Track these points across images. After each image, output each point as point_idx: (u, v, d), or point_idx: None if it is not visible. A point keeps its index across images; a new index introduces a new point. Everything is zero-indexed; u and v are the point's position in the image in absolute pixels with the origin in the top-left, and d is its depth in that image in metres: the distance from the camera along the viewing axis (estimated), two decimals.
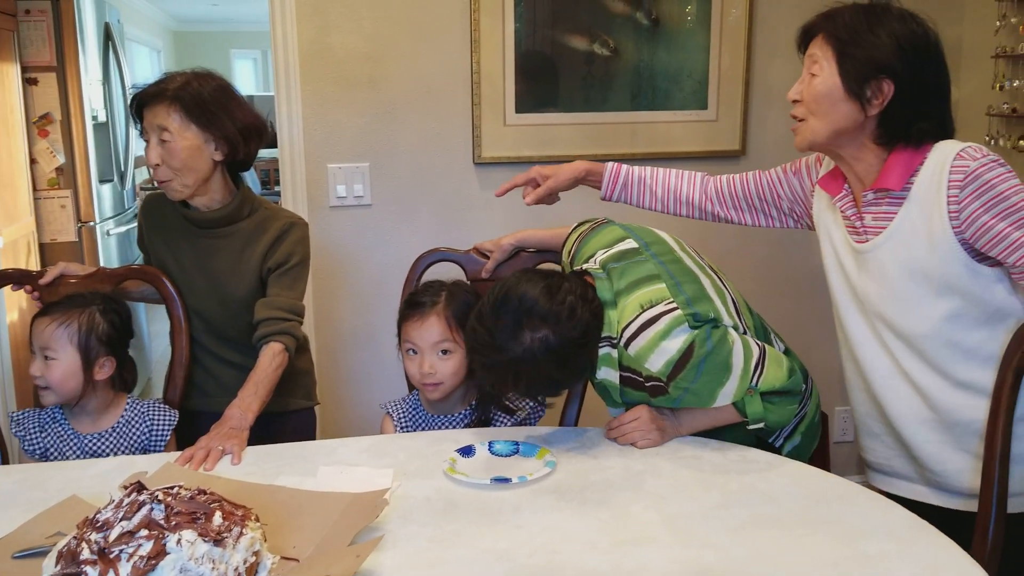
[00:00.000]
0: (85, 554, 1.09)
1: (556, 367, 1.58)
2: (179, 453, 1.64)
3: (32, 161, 3.79)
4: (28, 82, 3.79)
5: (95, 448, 1.79)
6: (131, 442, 1.82)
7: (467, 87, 2.87)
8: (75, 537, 1.13)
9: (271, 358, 1.87)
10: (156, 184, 1.94)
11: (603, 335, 1.65)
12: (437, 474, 1.56)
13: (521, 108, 2.89)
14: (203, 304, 1.98)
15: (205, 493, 1.22)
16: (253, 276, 1.96)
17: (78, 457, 1.78)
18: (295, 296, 1.97)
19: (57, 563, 1.11)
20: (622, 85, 2.94)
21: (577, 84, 2.92)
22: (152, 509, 1.15)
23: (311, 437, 2.13)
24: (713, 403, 1.64)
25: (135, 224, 4.51)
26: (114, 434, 1.81)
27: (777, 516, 1.39)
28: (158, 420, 1.86)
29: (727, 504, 1.43)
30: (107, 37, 4.35)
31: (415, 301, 1.82)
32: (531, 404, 1.86)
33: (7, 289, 2.01)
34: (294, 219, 2.02)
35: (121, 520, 1.13)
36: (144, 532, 1.12)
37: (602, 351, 1.67)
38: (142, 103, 1.88)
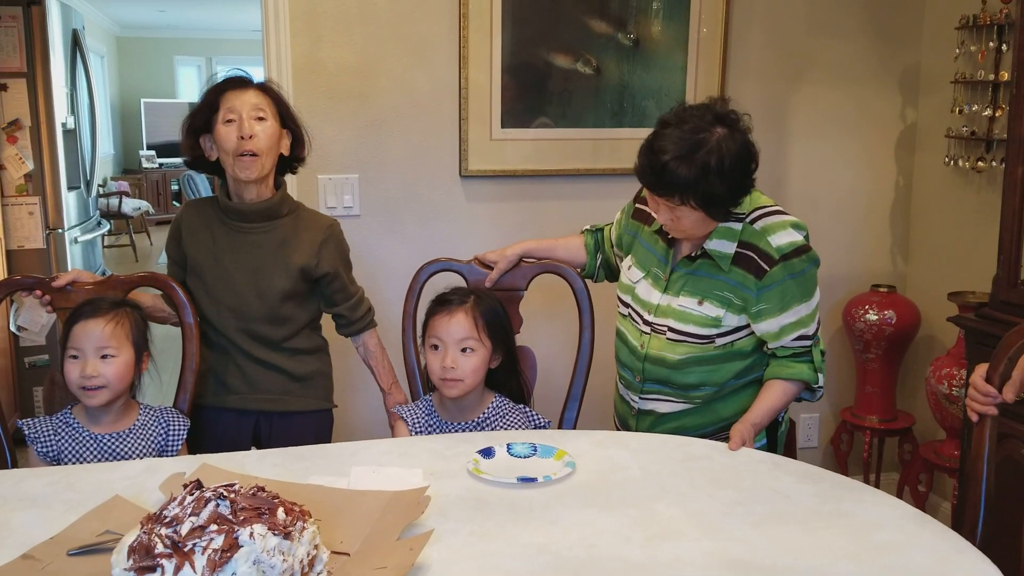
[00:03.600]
0: (159, 548, 1.13)
1: (737, 162, 1.76)
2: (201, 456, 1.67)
3: (0, 167, 3.73)
4: None
5: (113, 448, 1.81)
6: (148, 444, 1.84)
7: (454, 102, 2.94)
8: (144, 532, 1.16)
9: (379, 340, 2.21)
10: (242, 154, 1.97)
11: (733, 211, 1.86)
12: (462, 474, 1.62)
13: (507, 123, 2.98)
14: (240, 300, 2.02)
15: (263, 490, 1.26)
16: (293, 271, 2.03)
17: (96, 458, 1.79)
18: (357, 290, 2.19)
19: (129, 557, 1.14)
20: (604, 102, 3.05)
21: (561, 100, 3.01)
22: (218, 505, 1.19)
23: (328, 438, 2.18)
24: (784, 313, 1.86)
25: (99, 232, 4.47)
26: (131, 435, 1.84)
27: (792, 512, 1.49)
28: (173, 425, 1.88)
29: (744, 501, 1.52)
30: (75, 44, 4.31)
31: (443, 299, 1.91)
32: (533, 414, 1.93)
33: None
34: (331, 220, 2.14)
35: (190, 516, 1.17)
36: (214, 527, 1.15)
37: (725, 224, 1.88)
38: (227, 88, 2.00)
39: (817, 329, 1.92)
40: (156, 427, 1.87)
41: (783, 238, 1.86)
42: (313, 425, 2.15)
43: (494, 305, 1.92)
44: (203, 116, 2.01)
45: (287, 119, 2.06)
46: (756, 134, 1.87)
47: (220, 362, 2.07)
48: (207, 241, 2.06)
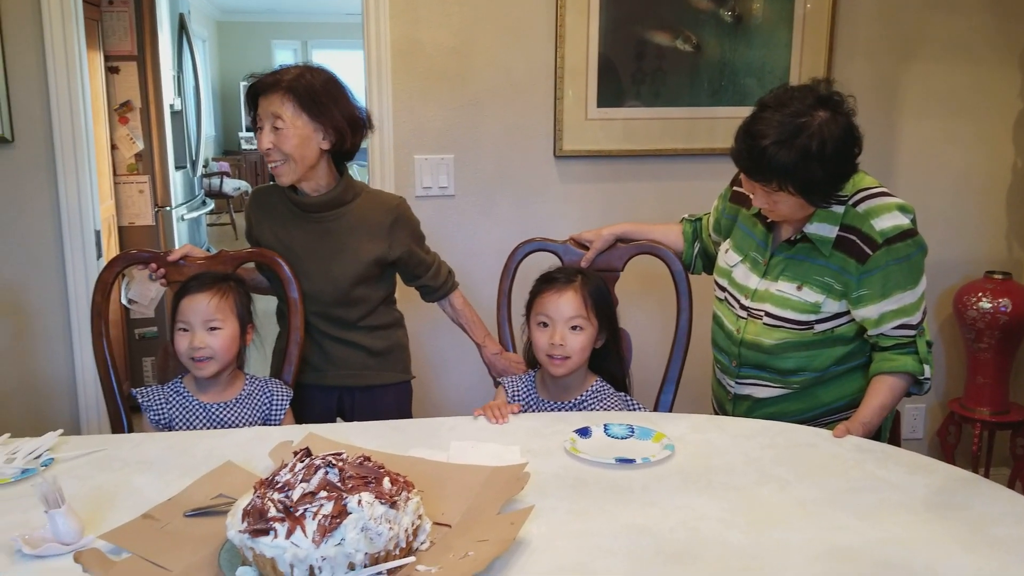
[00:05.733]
0: (272, 512, 1.16)
1: (839, 147, 1.71)
2: (307, 426, 1.71)
3: (112, 147, 3.89)
4: (110, 71, 3.90)
5: (221, 416, 1.88)
6: (253, 412, 1.90)
7: (550, 81, 2.92)
8: (257, 497, 1.20)
9: (464, 299, 2.25)
10: (268, 167, 2.03)
11: (835, 195, 1.80)
12: (559, 453, 1.62)
13: (603, 102, 2.95)
14: (314, 286, 2.06)
15: (369, 460, 1.28)
16: (364, 255, 2.05)
17: (204, 425, 1.86)
18: (434, 258, 2.21)
19: (243, 520, 1.18)
20: (703, 81, 2.98)
21: (658, 79, 2.96)
22: (327, 472, 1.22)
23: (408, 408, 2.22)
24: (885, 300, 1.80)
25: (205, 210, 4.62)
26: (238, 404, 1.90)
27: (903, 502, 1.44)
28: (277, 395, 1.94)
29: (852, 490, 1.48)
30: (181, 28, 4.45)
31: (550, 277, 1.91)
32: (631, 401, 1.92)
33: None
34: (397, 199, 2.14)
35: (301, 482, 1.20)
36: (324, 493, 1.18)
37: (826, 207, 1.82)
38: (258, 92, 1.98)
39: (922, 319, 1.84)
40: (261, 396, 1.93)
41: (887, 221, 1.79)
42: (393, 397, 2.19)
43: (600, 284, 1.93)
44: (252, 116, 2.03)
45: (318, 116, 1.97)
46: (863, 113, 1.80)
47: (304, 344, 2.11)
48: (277, 229, 2.09)
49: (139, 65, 3.95)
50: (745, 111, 2.95)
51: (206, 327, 1.85)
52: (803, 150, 1.68)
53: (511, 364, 2.18)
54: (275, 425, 1.91)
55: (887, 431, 1.98)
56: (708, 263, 2.20)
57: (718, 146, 2.99)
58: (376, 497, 1.19)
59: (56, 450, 1.61)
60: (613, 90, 2.93)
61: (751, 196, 1.84)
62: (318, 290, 2.07)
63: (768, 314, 1.88)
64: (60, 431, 1.66)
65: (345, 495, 1.18)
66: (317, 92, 1.97)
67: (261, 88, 1.98)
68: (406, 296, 2.27)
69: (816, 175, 1.71)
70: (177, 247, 2.24)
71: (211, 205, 4.95)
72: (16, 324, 2.80)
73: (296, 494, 1.18)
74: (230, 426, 1.87)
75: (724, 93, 3.01)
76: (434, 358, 2.95)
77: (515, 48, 2.89)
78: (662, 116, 2.99)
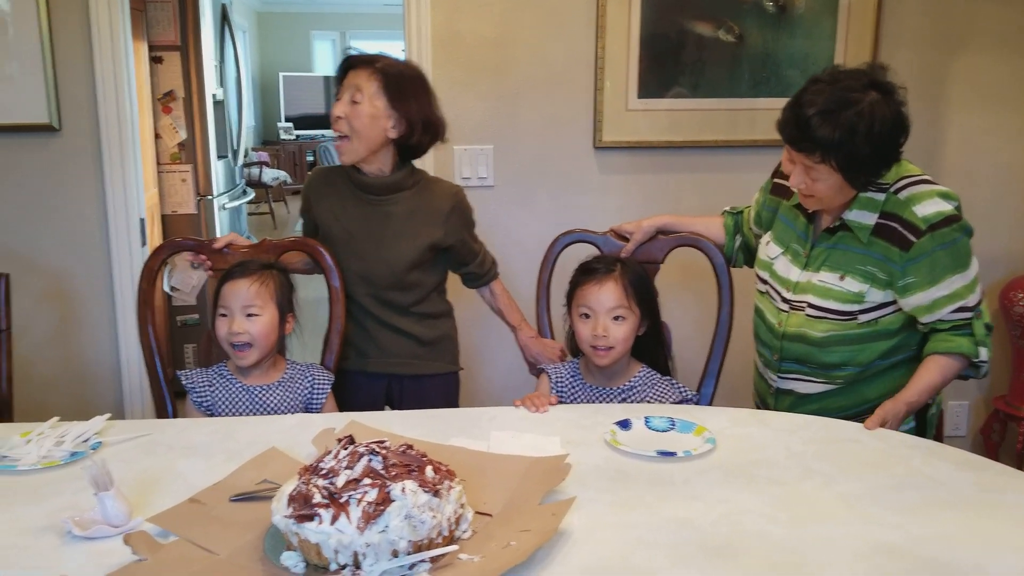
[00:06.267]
0: (317, 498, 1.17)
1: (887, 129, 1.69)
2: (348, 414, 1.73)
3: (156, 136, 3.94)
4: (154, 60, 3.95)
5: (262, 399, 1.90)
6: (295, 396, 1.93)
7: (590, 72, 2.91)
8: (303, 483, 1.21)
9: (503, 286, 2.27)
10: (334, 138, 2.07)
11: (875, 181, 1.79)
12: (599, 444, 1.62)
13: (643, 93, 2.93)
14: (369, 268, 2.08)
15: (412, 448, 1.29)
16: (421, 240, 2.07)
17: (246, 407, 1.89)
18: (481, 246, 2.25)
19: (289, 505, 1.19)
20: (745, 71, 2.95)
21: (700, 70, 2.94)
22: (371, 460, 1.23)
23: (455, 400, 2.23)
24: (937, 284, 1.77)
25: (246, 199, 4.67)
26: (279, 387, 1.92)
27: (949, 500, 1.41)
28: (319, 380, 1.96)
29: (897, 487, 1.46)
30: (223, 18, 4.49)
31: (590, 268, 1.91)
32: (681, 387, 1.91)
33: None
34: (455, 188, 2.17)
35: (345, 468, 1.21)
36: (368, 480, 1.19)
37: (866, 195, 1.80)
38: (351, 65, 2.02)
39: (979, 301, 1.81)
40: (302, 380, 1.95)
41: (930, 207, 1.76)
42: (441, 387, 2.21)
43: (640, 272, 1.92)
44: (337, 88, 2.06)
45: (397, 102, 2.01)
46: (909, 104, 1.77)
47: (353, 328, 2.14)
48: (336, 209, 2.12)
49: (182, 55, 3.99)
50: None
51: (244, 313, 1.87)
52: (850, 124, 1.67)
53: (545, 349, 2.18)
54: (316, 409, 1.94)
55: (932, 428, 1.95)
56: (749, 256, 2.18)
57: (759, 138, 2.96)
58: (419, 485, 1.19)
59: (103, 434, 1.64)
60: (654, 81, 2.91)
61: (789, 175, 1.81)
62: (373, 272, 2.08)
63: (811, 305, 1.86)
64: (108, 415, 1.69)
65: (388, 483, 1.19)
66: (404, 82, 2.03)
67: (354, 62, 2.03)
68: (451, 287, 2.28)
69: (861, 152, 1.69)
70: (219, 236, 2.26)
71: (252, 194, 5.00)
72: (62, 310, 2.85)
73: (340, 481, 1.19)
74: (272, 408, 1.90)
75: (766, 84, 2.97)
76: (476, 349, 2.95)
77: (555, 38, 2.88)
78: (703, 107, 2.96)
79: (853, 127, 1.67)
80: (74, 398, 2.88)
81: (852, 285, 1.82)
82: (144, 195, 2.91)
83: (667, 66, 2.92)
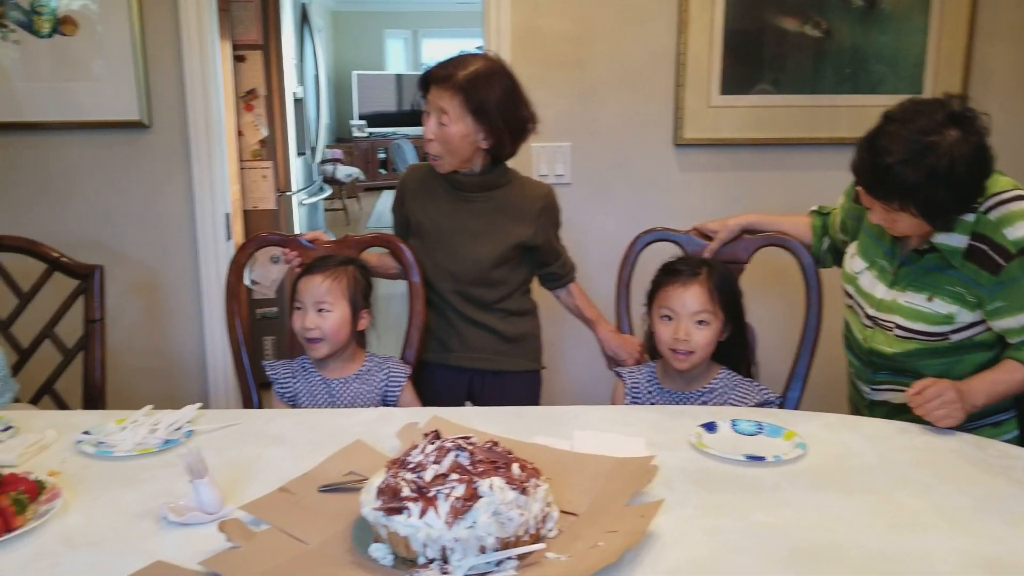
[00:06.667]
0: (406, 492, 1.18)
1: (968, 170, 1.60)
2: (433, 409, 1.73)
3: (238, 133, 4.03)
4: (237, 59, 4.03)
5: (340, 391, 1.93)
6: (371, 388, 1.95)
7: (671, 68, 2.87)
8: (391, 476, 1.22)
9: (580, 288, 2.25)
10: (427, 153, 2.09)
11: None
12: (684, 446, 1.59)
13: (726, 89, 2.88)
14: (457, 263, 2.09)
15: (497, 445, 1.28)
16: (510, 238, 2.08)
17: (325, 399, 1.92)
18: (563, 248, 2.24)
19: (378, 498, 1.20)
20: (832, 67, 2.88)
21: (785, 66, 2.88)
22: (457, 455, 1.23)
23: (537, 398, 2.23)
24: None
25: (322, 196, 4.75)
26: (357, 380, 1.95)
27: None
28: (394, 372, 1.98)
29: (1000, 497, 1.40)
30: (303, 18, 4.57)
31: (674, 269, 1.87)
32: (763, 389, 1.87)
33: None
34: (547, 189, 2.16)
35: (432, 463, 1.22)
36: (455, 476, 1.19)
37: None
38: (431, 81, 2.01)
39: None
40: (378, 373, 1.98)
41: (1021, 229, 1.66)
42: (523, 385, 2.20)
43: (727, 275, 1.88)
44: (422, 97, 2.06)
45: (482, 116, 2.00)
46: (1007, 102, 1.70)
47: (438, 321, 2.15)
48: (428, 205, 2.13)
49: (264, 54, 4.07)
50: (877, 99, 2.89)
51: (316, 308, 1.90)
52: (930, 171, 1.58)
53: (624, 343, 2.16)
54: (392, 401, 1.96)
55: None
56: (838, 257, 2.11)
57: (844, 135, 2.88)
58: (507, 482, 1.19)
59: (194, 423, 1.68)
60: (737, 77, 2.86)
61: (868, 209, 1.75)
62: (460, 268, 2.10)
63: (899, 326, 1.79)
64: (199, 404, 1.73)
65: (476, 479, 1.18)
66: (486, 94, 2.00)
67: (434, 79, 2.02)
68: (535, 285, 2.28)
69: (941, 198, 1.61)
70: (297, 231, 2.30)
71: (329, 191, 5.08)
72: (150, 302, 2.94)
73: (428, 475, 1.20)
74: (348, 400, 1.93)
75: (854, 81, 2.89)
76: (556, 347, 2.94)
77: (636, 34, 2.85)
78: (788, 104, 2.90)
79: (932, 174, 1.58)
80: (161, 387, 2.96)
81: (941, 307, 1.74)
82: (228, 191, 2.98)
83: (751, 62, 2.87)
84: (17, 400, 2.06)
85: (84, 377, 2.19)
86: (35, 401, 2.21)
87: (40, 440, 1.58)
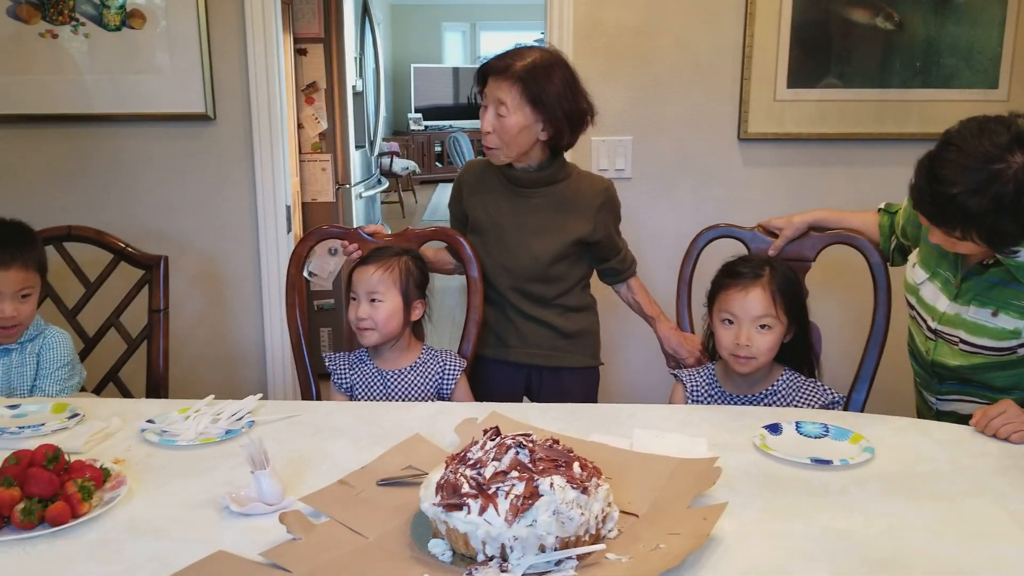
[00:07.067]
0: (465, 488, 1.17)
1: None
2: (490, 404, 1.72)
3: (299, 126, 4.07)
4: (298, 52, 4.07)
5: (395, 383, 1.94)
6: (426, 381, 1.95)
7: (737, 61, 2.81)
8: (450, 472, 1.21)
9: (640, 283, 2.22)
10: (484, 147, 2.07)
11: None
12: (748, 448, 1.55)
13: (793, 83, 2.81)
14: (515, 260, 2.08)
15: (558, 443, 1.27)
16: (569, 234, 2.05)
17: (380, 390, 1.93)
18: (623, 242, 2.20)
19: (437, 493, 1.19)
20: (904, 61, 2.79)
21: (855, 59, 2.80)
22: (518, 453, 1.21)
23: (595, 395, 2.21)
24: None
25: (380, 189, 4.78)
26: (412, 372, 1.95)
27: None
28: (450, 365, 1.97)
29: None
30: (364, 11, 4.60)
31: (735, 271, 1.81)
32: (827, 389, 1.82)
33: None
34: (606, 183, 2.13)
35: (492, 460, 1.20)
36: (515, 473, 1.18)
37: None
38: (488, 73, 2.00)
39: None
40: (434, 365, 1.98)
41: None
42: (581, 381, 2.18)
43: (790, 275, 1.81)
44: (479, 91, 2.05)
45: (540, 106, 1.98)
46: None
47: (495, 316, 2.14)
48: (487, 200, 2.12)
49: (325, 47, 4.09)
50: (950, 94, 2.80)
51: (368, 298, 1.91)
52: (995, 201, 1.49)
53: (685, 341, 2.13)
54: (447, 395, 1.96)
55: None
56: (907, 257, 2.05)
57: (916, 130, 2.80)
58: (568, 481, 1.17)
59: (255, 413, 1.70)
60: (805, 70, 2.79)
61: (929, 231, 1.68)
62: (518, 264, 2.08)
63: (963, 341, 1.73)
64: (260, 395, 1.74)
65: (536, 477, 1.17)
66: (544, 83, 1.98)
67: (491, 70, 2.01)
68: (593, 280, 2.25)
69: (1006, 228, 1.53)
70: (355, 224, 2.30)
71: (386, 184, 5.10)
72: (212, 292, 2.98)
73: (488, 472, 1.18)
74: (403, 392, 1.93)
75: (925, 74, 2.80)
76: (614, 344, 2.91)
77: (701, 26, 2.80)
78: (856, 98, 2.82)
79: (997, 204, 1.50)
80: (221, 376, 3.01)
81: (1007, 322, 1.68)
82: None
83: (819, 54, 2.79)
84: (83, 389, 2.11)
85: (147, 366, 2.23)
86: (99, 389, 2.26)
87: (106, 428, 1.61)
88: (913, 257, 1.89)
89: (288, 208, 2.95)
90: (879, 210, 2.10)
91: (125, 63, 2.80)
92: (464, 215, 2.16)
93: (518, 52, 2.01)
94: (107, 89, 2.82)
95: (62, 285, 2.25)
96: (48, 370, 1.97)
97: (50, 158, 2.89)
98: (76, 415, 1.67)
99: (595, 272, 2.22)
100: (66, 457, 1.36)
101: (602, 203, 2.09)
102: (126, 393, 2.28)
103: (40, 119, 2.85)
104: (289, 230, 2.97)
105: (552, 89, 1.98)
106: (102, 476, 1.37)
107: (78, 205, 2.88)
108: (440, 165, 11.28)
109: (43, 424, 1.62)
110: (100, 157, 2.89)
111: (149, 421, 1.64)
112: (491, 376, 2.12)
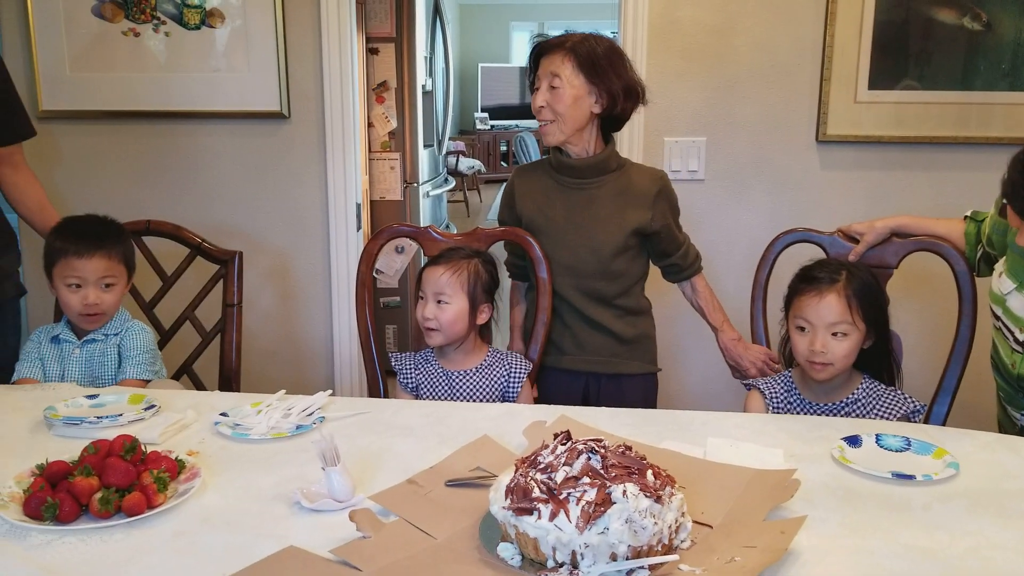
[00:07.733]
0: (536, 492, 1.15)
1: None
2: (559, 407, 1.70)
3: (369, 125, 4.11)
4: (370, 51, 4.11)
5: (460, 384, 1.93)
6: (491, 383, 1.94)
7: (816, 61, 2.74)
8: (520, 475, 1.19)
9: (706, 282, 2.19)
10: (539, 126, 2.07)
11: None
12: (825, 460, 1.50)
13: (875, 84, 2.73)
14: (574, 257, 2.06)
15: (630, 449, 1.24)
16: (627, 224, 2.04)
17: (445, 391, 1.93)
18: (685, 237, 2.18)
19: (507, 496, 1.18)
20: (992, 63, 2.68)
21: (940, 60, 2.70)
22: (590, 458, 1.19)
23: (654, 402, 2.17)
24: None
25: (446, 188, 4.79)
26: (477, 374, 1.95)
27: None
28: (515, 367, 1.96)
29: None
30: (435, 11, 4.62)
31: (811, 276, 1.77)
32: (908, 398, 1.75)
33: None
34: (660, 172, 2.12)
35: (563, 465, 1.18)
36: (587, 479, 1.15)
37: None
38: (541, 52, 2.02)
39: None
40: (500, 367, 1.97)
41: None
42: (640, 388, 2.15)
43: (868, 280, 1.75)
44: (531, 77, 2.06)
45: (594, 77, 1.99)
46: None
47: (552, 324, 2.11)
48: (541, 202, 2.10)
49: (396, 47, 4.13)
50: None
51: (435, 299, 1.91)
52: None
53: (748, 353, 2.08)
54: (512, 396, 1.95)
55: None
56: (992, 267, 1.97)
57: (1002, 135, 2.69)
58: (641, 489, 1.14)
59: (325, 409, 1.71)
60: (887, 71, 2.70)
61: (1019, 234, 1.61)
62: (579, 261, 2.06)
63: None
64: (330, 391, 1.75)
65: (609, 484, 1.14)
66: (598, 56, 2.00)
67: (545, 48, 2.03)
68: (650, 284, 2.21)
69: None
70: (422, 223, 2.31)
71: (452, 183, 5.12)
72: (284, 288, 3.02)
73: (559, 477, 1.16)
74: (467, 393, 1.93)
75: (1013, 77, 2.69)
76: (672, 349, 2.87)
77: (779, 26, 2.74)
78: (939, 100, 2.72)
79: None
80: (290, 372, 3.05)
81: None
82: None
83: (903, 55, 2.71)
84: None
85: (220, 359, 2.26)
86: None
87: (181, 419, 1.64)
88: (1000, 266, 1.81)
89: (358, 206, 2.98)
90: (965, 218, 2.02)
91: (203, 61, 2.86)
92: (518, 222, 2.14)
93: (568, 34, 2.05)
94: (186, 87, 2.88)
95: (140, 278, 2.30)
96: (132, 357, 2.01)
97: (131, 154, 2.96)
98: (152, 406, 1.70)
99: (659, 271, 2.18)
100: (143, 448, 1.38)
101: (658, 191, 2.06)
102: (199, 385, 2.32)
103: (122, 115, 2.92)
104: (359, 228, 2.99)
105: (605, 60, 2.00)
106: (177, 468, 1.39)
107: (157, 200, 2.95)
108: (505, 165, 11.30)
109: (120, 414, 1.65)
110: (178, 153, 2.96)
111: (222, 414, 1.66)
112: (548, 385, 2.10)
